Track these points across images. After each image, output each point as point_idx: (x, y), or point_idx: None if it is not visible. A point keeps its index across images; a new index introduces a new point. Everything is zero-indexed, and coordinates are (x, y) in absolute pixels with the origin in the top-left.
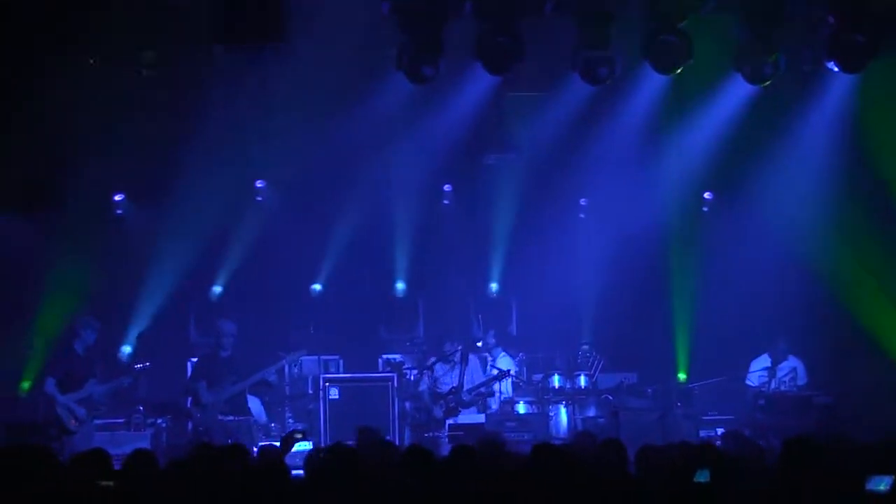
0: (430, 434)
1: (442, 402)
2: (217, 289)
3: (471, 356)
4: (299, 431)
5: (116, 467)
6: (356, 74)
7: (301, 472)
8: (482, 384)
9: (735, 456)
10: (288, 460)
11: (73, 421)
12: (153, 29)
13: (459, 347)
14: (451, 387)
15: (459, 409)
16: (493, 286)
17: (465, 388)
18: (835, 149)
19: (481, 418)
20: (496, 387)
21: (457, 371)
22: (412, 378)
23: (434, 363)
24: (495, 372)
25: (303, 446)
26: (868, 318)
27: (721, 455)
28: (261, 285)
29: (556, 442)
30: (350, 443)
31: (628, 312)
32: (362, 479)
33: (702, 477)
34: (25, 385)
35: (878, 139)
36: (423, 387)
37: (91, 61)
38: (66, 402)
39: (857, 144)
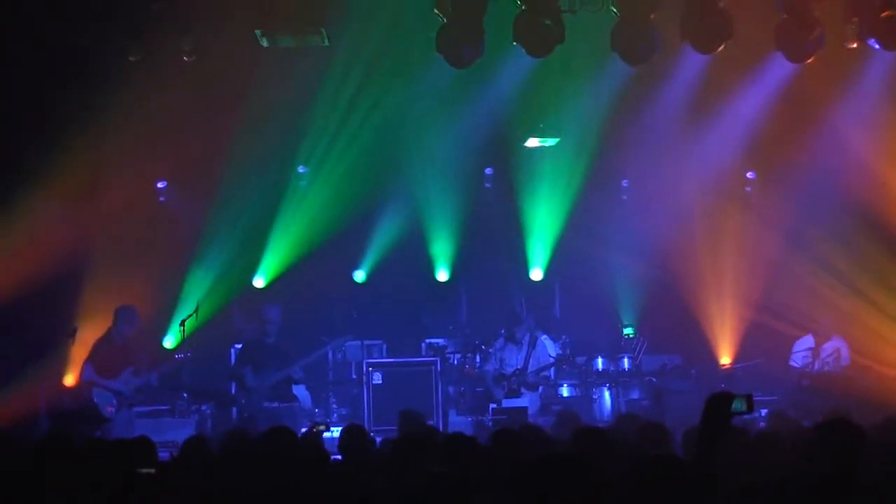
0: (475, 418)
1: (505, 382)
2: (261, 277)
3: (539, 339)
4: (323, 423)
5: (162, 454)
6: (397, 58)
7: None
8: (547, 366)
9: (779, 436)
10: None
11: (108, 408)
12: (194, 16)
13: (528, 331)
14: (515, 368)
15: (522, 389)
16: (536, 269)
17: (530, 370)
18: (876, 125)
19: (525, 401)
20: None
21: (523, 352)
22: (455, 362)
23: (497, 343)
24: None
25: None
26: None
27: (764, 435)
28: (304, 271)
29: (600, 425)
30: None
31: (671, 294)
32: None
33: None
34: (68, 375)
35: None
36: (489, 367)
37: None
38: (106, 384)
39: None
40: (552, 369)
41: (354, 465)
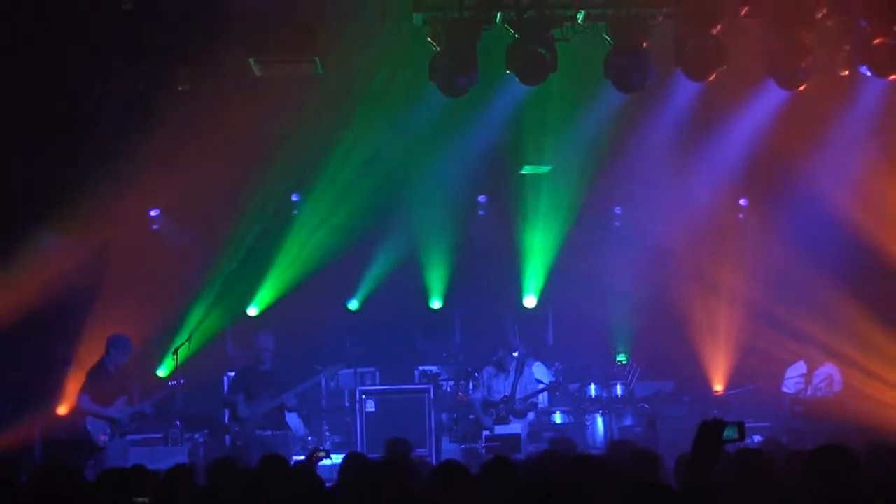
0: (468, 446)
1: (493, 410)
2: (254, 306)
3: (526, 366)
4: (323, 450)
5: None
6: (390, 86)
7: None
8: (535, 393)
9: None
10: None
11: (102, 437)
12: (189, 45)
13: (516, 356)
14: (503, 395)
15: (510, 417)
16: (529, 296)
17: (517, 397)
18: (867, 152)
19: (518, 429)
20: (540, 398)
21: (510, 380)
22: (448, 390)
23: (486, 371)
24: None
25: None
26: None
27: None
28: (297, 299)
29: (594, 451)
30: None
31: (664, 321)
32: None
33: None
34: (63, 404)
35: None
36: (478, 395)
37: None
38: (101, 413)
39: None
40: (542, 395)
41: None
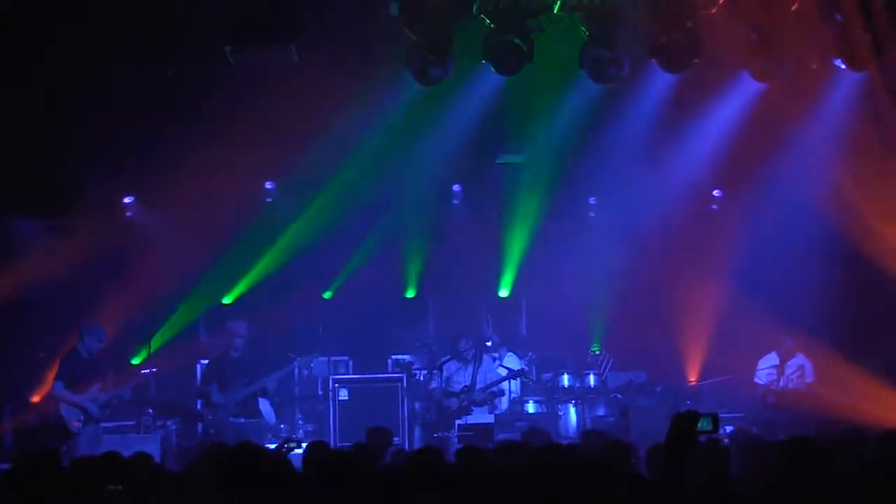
0: (440, 434)
1: (454, 399)
2: (228, 298)
3: (484, 355)
4: (294, 440)
5: None
6: (365, 75)
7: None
8: (495, 382)
9: (743, 453)
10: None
11: (75, 422)
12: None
13: (472, 346)
14: (463, 385)
15: (472, 407)
16: (503, 286)
17: (477, 387)
18: (842, 145)
19: (490, 418)
20: (505, 386)
21: (469, 370)
22: (422, 378)
23: (446, 361)
24: (504, 371)
25: None
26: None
27: (729, 452)
28: (270, 287)
29: (565, 442)
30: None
31: (637, 311)
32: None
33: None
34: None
35: None
36: (434, 385)
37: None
38: (74, 400)
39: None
40: (513, 383)
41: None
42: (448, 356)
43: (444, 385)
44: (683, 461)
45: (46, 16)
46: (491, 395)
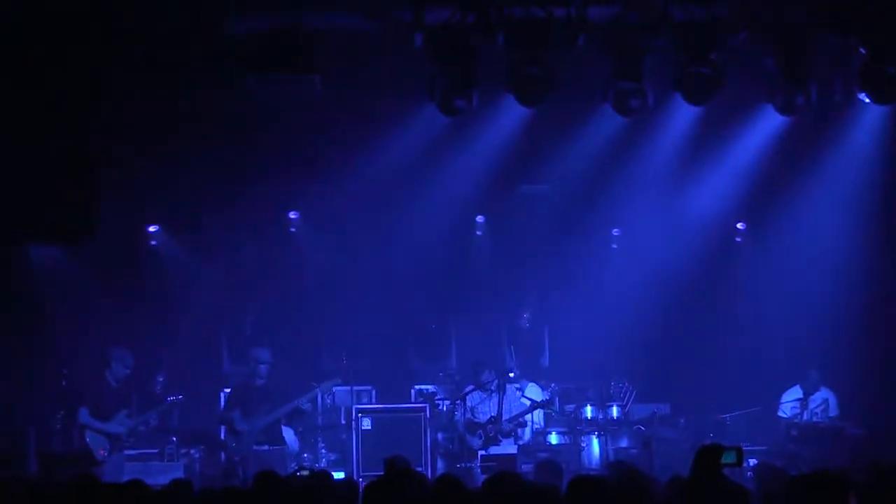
0: (463, 465)
1: (480, 431)
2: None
3: (507, 385)
4: (305, 468)
5: None
6: (388, 106)
7: None
8: (521, 413)
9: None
10: None
11: (101, 451)
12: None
13: (495, 377)
14: (489, 416)
15: (500, 437)
16: (526, 317)
17: (504, 418)
18: (866, 180)
19: (513, 449)
20: (528, 417)
21: (494, 400)
22: (444, 408)
23: (470, 392)
24: (527, 402)
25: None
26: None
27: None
28: (294, 316)
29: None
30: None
31: (661, 343)
32: None
33: None
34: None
35: None
36: (459, 416)
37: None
38: (101, 428)
39: (888, 175)
40: (536, 414)
41: None
42: (471, 387)
43: (468, 415)
44: (706, 495)
45: (67, 41)
46: (517, 425)
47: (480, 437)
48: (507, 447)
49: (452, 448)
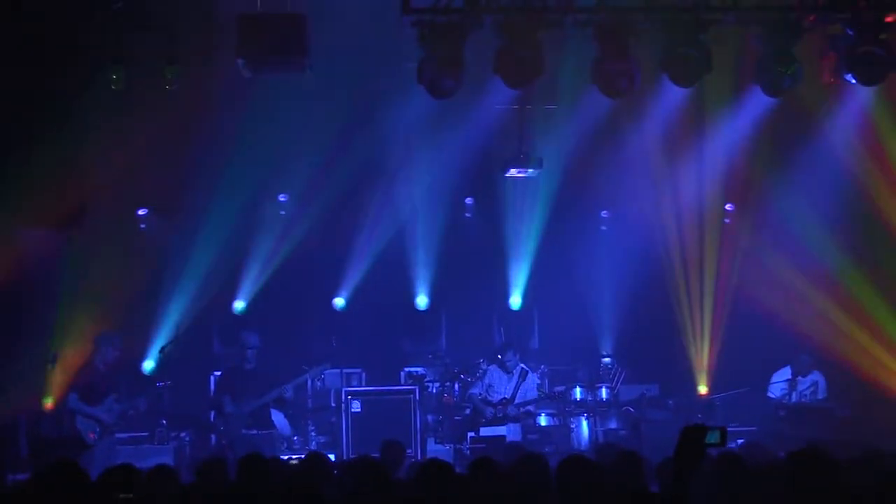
0: (453, 446)
1: (490, 409)
2: (240, 304)
3: (529, 373)
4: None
5: None
6: (377, 88)
7: None
8: (528, 402)
9: (754, 466)
10: None
11: (91, 434)
12: (176, 44)
13: (519, 360)
14: (502, 397)
15: (507, 421)
16: (515, 299)
17: (515, 401)
18: (853, 160)
19: (503, 430)
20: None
21: (513, 383)
22: (434, 391)
23: (491, 369)
24: (542, 393)
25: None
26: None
27: (741, 464)
28: (283, 298)
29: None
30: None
31: (650, 324)
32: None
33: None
34: (48, 400)
35: None
36: (475, 391)
37: (114, 77)
38: (91, 412)
39: (875, 155)
40: (523, 395)
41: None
42: (490, 362)
43: (484, 393)
44: (690, 476)
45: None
46: (525, 413)
47: (489, 414)
48: (493, 429)
49: (442, 430)
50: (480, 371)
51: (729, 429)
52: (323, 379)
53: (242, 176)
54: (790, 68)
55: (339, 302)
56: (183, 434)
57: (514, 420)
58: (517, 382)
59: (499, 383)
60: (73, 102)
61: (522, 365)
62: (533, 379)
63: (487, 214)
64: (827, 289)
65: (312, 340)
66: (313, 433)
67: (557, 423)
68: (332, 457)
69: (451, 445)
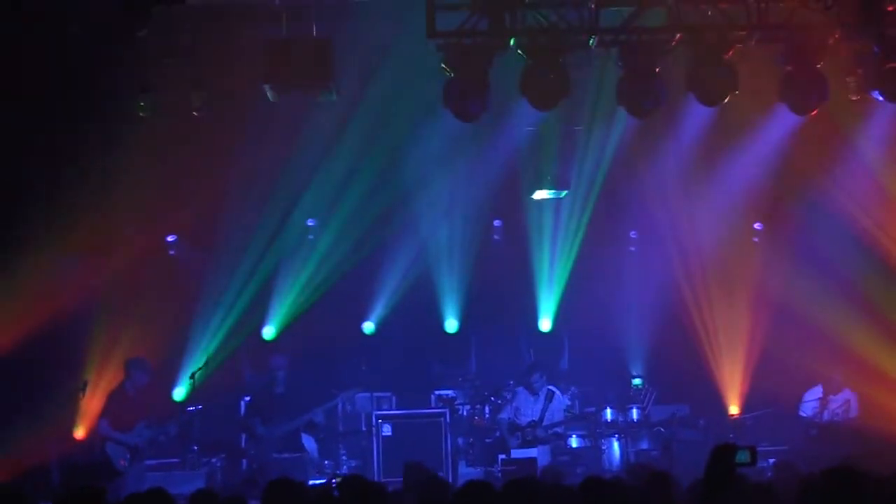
0: (484, 469)
1: (519, 433)
2: (269, 330)
3: (556, 393)
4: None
5: None
6: (404, 112)
7: None
8: (558, 423)
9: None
10: None
11: (121, 461)
12: (204, 70)
13: (546, 382)
14: (531, 420)
15: (537, 444)
16: (545, 320)
17: (544, 423)
18: (880, 176)
19: (534, 452)
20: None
21: (539, 405)
22: (465, 413)
23: (519, 391)
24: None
25: None
26: None
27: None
28: (313, 323)
29: (608, 476)
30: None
31: (680, 344)
32: None
33: None
34: (79, 429)
35: None
36: (504, 416)
37: (141, 104)
38: (121, 439)
39: None
40: (552, 416)
41: None
42: (519, 384)
43: (512, 416)
44: (720, 495)
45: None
46: (554, 435)
47: (518, 439)
48: (525, 451)
49: (473, 453)
50: (510, 394)
51: (760, 448)
52: (353, 402)
53: (271, 201)
54: (816, 86)
55: (368, 326)
56: (214, 460)
57: (544, 442)
58: (544, 404)
59: (525, 405)
60: (101, 129)
61: (550, 386)
62: (561, 400)
63: (516, 237)
64: (858, 306)
65: (342, 365)
66: (344, 457)
67: (588, 444)
68: None
69: (483, 468)
